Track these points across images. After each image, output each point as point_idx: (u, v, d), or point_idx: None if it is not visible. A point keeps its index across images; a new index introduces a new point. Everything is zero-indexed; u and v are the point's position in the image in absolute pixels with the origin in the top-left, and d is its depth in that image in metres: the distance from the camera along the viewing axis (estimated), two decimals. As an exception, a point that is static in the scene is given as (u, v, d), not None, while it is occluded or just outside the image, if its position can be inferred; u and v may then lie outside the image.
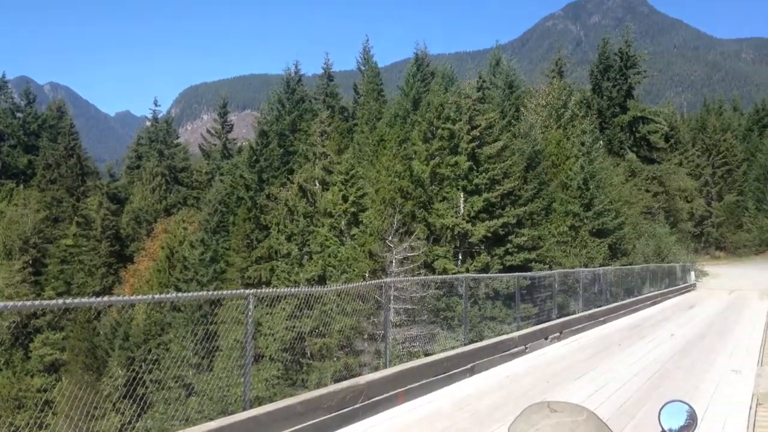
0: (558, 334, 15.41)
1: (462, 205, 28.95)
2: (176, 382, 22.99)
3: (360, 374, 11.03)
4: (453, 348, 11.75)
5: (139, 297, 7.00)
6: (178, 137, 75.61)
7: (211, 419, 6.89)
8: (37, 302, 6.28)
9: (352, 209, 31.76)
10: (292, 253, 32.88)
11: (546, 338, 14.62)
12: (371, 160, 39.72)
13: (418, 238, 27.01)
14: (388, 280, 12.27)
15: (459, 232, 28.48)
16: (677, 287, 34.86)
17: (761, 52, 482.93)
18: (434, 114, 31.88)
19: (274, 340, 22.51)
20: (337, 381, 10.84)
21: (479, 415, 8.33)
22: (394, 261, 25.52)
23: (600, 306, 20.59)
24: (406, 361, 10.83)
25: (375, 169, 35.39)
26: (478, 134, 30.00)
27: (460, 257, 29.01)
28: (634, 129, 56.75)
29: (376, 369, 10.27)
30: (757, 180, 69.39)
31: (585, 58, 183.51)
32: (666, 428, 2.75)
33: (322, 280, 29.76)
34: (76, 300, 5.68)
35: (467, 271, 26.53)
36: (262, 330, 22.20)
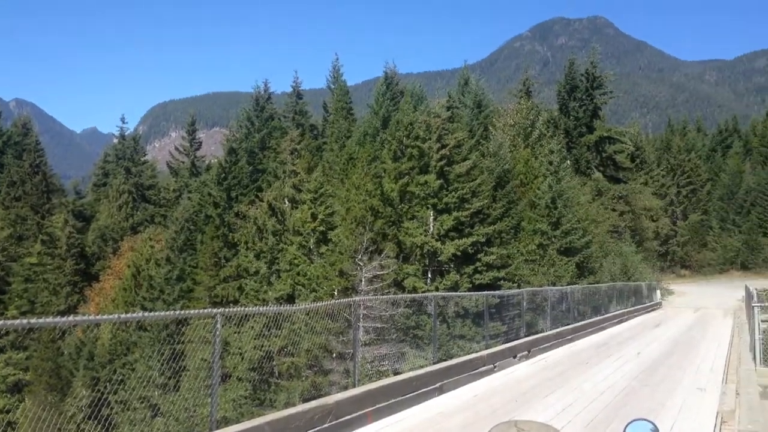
0: (526, 352, 15.48)
1: (432, 224, 29.09)
2: (142, 402, 22.67)
3: (329, 393, 10.95)
4: (422, 367, 11.73)
5: (105, 317, 6.86)
6: (145, 154, 74.84)
7: (177, 441, 6.80)
8: (0, 322, 6.12)
9: (321, 228, 31.68)
10: (261, 271, 32.66)
11: (514, 357, 14.67)
12: (341, 178, 39.75)
13: (388, 257, 27.04)
14: (358, 298, 12.23)
15: (428, 250, 28.59)
16: (643, 305, 35.19)
17: (723, 74, 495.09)
18: (404, 133, 32.10)
19: (242, 359, 22.31)
20: (305, 400, 10.76)
21: (448, 434, 8.31)
22: (363, 279, 25.50)
23: (568, 324, 20.70)
24: (376, 380, 10.78)
25: (345, 187, 35.41)
26: (447, 153, 30.27)
27: (430, 275, 29.10)
28: (600, 149, 57.41)
29: (345, 388, 10.19)
30: (720, 199, 70.85)
31: (552, 78, 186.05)
32: (631, 446, 2.78)
33: (291, 298, 29.59)
34: (41, 320, 5.56)
35: (437, 289, 26.61)
36: (230, 349, 21.98)
